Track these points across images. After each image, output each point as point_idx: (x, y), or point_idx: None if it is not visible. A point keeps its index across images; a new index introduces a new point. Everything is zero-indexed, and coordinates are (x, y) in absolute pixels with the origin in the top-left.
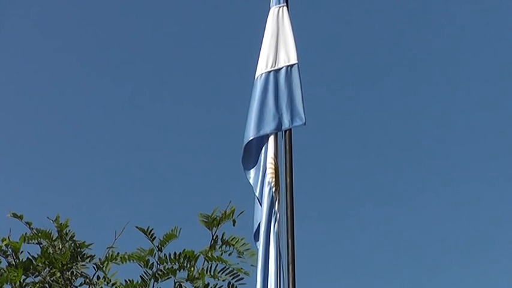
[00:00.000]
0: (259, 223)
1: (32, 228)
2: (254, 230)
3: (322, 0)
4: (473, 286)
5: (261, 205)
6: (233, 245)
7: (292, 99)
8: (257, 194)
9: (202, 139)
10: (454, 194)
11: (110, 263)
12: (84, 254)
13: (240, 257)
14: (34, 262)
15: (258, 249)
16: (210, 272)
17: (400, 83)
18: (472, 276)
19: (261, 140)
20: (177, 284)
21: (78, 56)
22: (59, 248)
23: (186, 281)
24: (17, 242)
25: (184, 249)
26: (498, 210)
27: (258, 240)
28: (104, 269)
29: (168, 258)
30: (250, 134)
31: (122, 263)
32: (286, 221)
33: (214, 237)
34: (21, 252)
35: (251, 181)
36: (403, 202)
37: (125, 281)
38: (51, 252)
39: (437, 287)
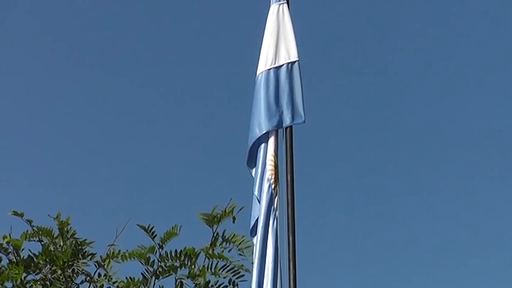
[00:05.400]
0: (257, 219)
1: (33, 226)
2: (251, 226)
3: None
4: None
5: (259, 202)
6: (233, 243)
7: (293, 97)
8: (256, 191)
9: (204, 136)
10: (451, 192)
11: (111, 260)
12: (85, 251)
13: (241, 254)
14: (35, 260)
15: (253, 245)
16: (211, 269)
17: (400, 81)
18: (468, 276)
19: (262, 138)
20: (178, 281)
21: (77, 52)
22: (60, 246)
23: (187, 278)
24: (18, 240)
25: (185, 248)
26: (495, 210)
27: (254, 236)
28: (105, 266)
29: (169, 256)
30: (255, 134)
31: (123, 261)
32: (287, 218)
33: (214, 235)
34: (22, 249)
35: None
36: (405, 200)
37: (126, 278)
38: (52, 249)
39: (435, 286)
